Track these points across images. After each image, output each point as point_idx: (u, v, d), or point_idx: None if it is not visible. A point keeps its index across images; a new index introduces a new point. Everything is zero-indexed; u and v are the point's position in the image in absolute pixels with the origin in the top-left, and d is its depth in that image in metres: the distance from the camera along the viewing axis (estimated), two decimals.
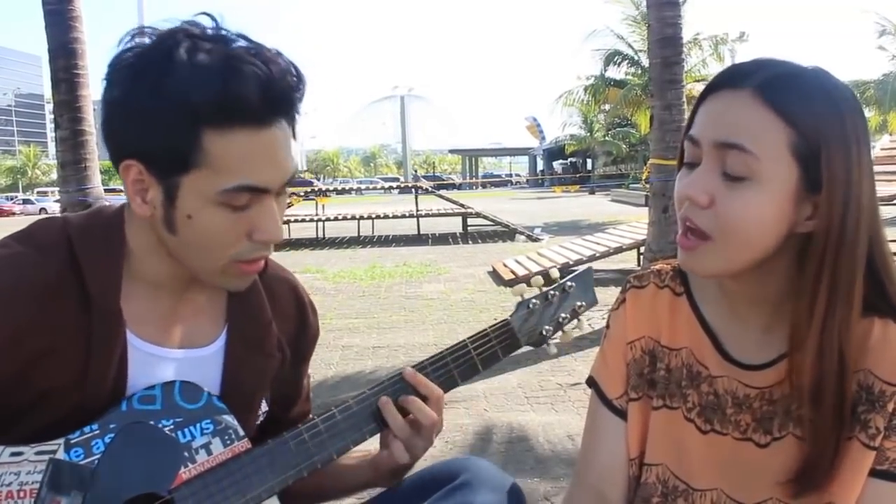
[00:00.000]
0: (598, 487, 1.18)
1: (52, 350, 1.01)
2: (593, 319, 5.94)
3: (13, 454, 0.96)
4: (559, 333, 1.36)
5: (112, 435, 1.01)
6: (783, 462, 1.02)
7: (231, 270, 1.07)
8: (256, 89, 0.97)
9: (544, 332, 1.34)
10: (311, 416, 1.37)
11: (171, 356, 1.11)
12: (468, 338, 1.27)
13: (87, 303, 1.03)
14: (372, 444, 1.23)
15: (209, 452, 1.07)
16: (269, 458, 1.10)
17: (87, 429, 1.01)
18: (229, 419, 1.10)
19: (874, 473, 0.98)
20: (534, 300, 1.34)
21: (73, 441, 0.99)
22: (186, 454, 1.05)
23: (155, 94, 0.97)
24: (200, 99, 0.96)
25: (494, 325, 1.30)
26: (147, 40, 1.01)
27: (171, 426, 1.05)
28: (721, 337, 1.11)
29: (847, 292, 0.95)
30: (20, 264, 1.02)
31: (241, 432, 1.11)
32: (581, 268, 1.41)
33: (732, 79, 0.98)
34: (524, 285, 1.36)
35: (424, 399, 1.20)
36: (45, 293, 1.01)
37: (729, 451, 1.08)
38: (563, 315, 1.36)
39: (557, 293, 1.36)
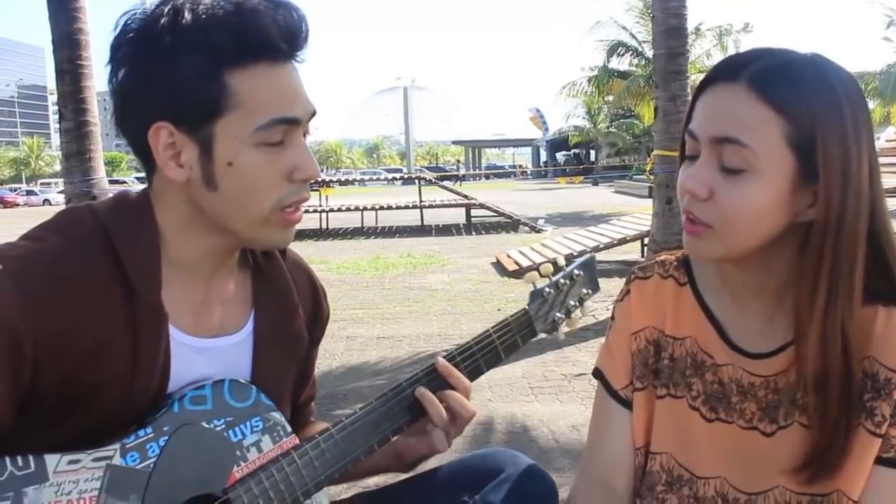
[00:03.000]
0: (604, 477, 1.19)
1: (103, 347, 1.00)
2: (597, 311, 5.94)
3: (70, 462, 0.95)
4: (567, 320, 1.40)
5: (166, 438, 1.01)
6: (789, 451, 1.03)
7: (275, 220, 1.06)
8: (273, 23, 1.00)
9: (556, 320, 1.38)
10: (314, 401, 1.41)
11: (205, 346, 1.12)
12: (492, 327, 1.31)
13: (132, 295, 1.02)
14: None
15: (260, 450, 1.08)
16: (318, 453, 1.11)
17: (141, 432, 1.00)
18: (277, 416, 1.11)
19: (880, 461, 0.99)
20: (547, 289, 1.38)
21: (128, 446, 0.99)
22: (238, 453, 1.06)
23: (172, 48, 0.98)
24: (221, 39, 0.98)
25: (514, 314, 1.34)
26: (140, 15, 1.01)
27: (223, 426, 1.06)
28: (725, 326, 1.12)
29: (848, 279, 0.96)
30: (62, 259, 0.99)
31: (289, 428, 1.12)
32: (585, 255, 1.45)
33: (727, 71, 0.98)
34: (535, 273, 1.40)
35: (454, 390, 1.22)
36: (90, 288, 0.99)
37: (734, 439, 1.09)
38: (571, 303, 1.40)
39: (567, 282, 1.40)
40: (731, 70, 0.98)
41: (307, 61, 1.07)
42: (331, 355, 5.15)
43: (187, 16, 0.98)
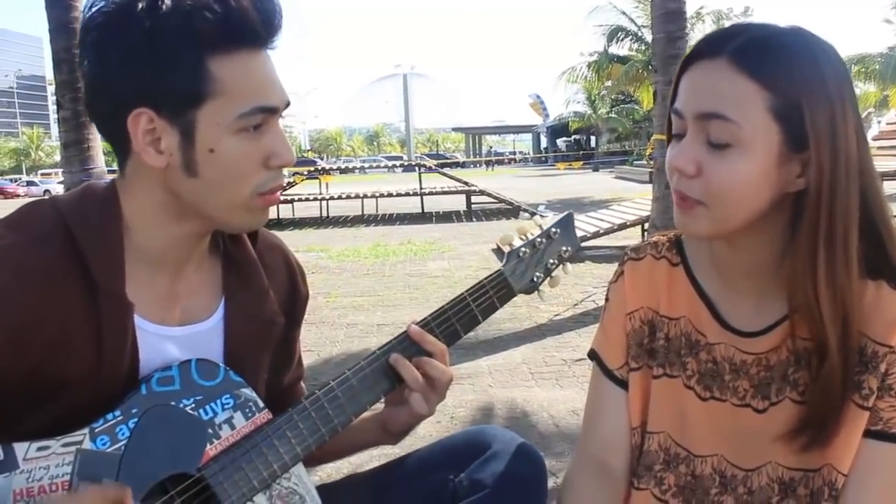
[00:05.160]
0: (601, 457, 1.19)
1: (64, 341, 0.99)
2: (596, 295, 5.95)
3: (40, 448, 0.95)
4: (548, 279, 1.39)
5: (136, 420, 1.01)
6: (781, 427, 1.03)
7: (254, 205, 1.07)
8: (254, 9, 1.00)
9: (535, 279, 1.37)
10: (303, 380, 1.41)
11: (174, 334, 1.11)
12: (466, 291, 1.31)
13: (93, 289, 1.01)
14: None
15: (232, 427, 1.08)
16: (292, 426, 1.11)
17: (109, 416, 1.00)
18: (248, 392, 1.11)
19: (868, 434, 1.00)
20: (523, 248, 1.37)
21: (97, 429, 0.99)
22: (211, 431, 1.06)
23: (153, 33, 0.96)
24: (204, 24, 0.97)
25: (489, 276, 1.34)
26: None
27: (193, 405, 1.06)
28: (718, 305, 1.12)
29: (844, 248, 0.96)
30: (19, 255, 0.98)
31: (261, 404, 1.12)
32: (561, 214, 1.44)
33: (708, 47, 0.99)
34: (512, 234, 1.39)
35: (430, 355, 1.23)
36: (48, 283, 0.98)
37: (728, 417, 1.10)
38: (550, 261, 1.39)
39: (544, 240, 1.39)
40: (712, 46, 0.98)
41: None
42: (331, 343, 5.17)
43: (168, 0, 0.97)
